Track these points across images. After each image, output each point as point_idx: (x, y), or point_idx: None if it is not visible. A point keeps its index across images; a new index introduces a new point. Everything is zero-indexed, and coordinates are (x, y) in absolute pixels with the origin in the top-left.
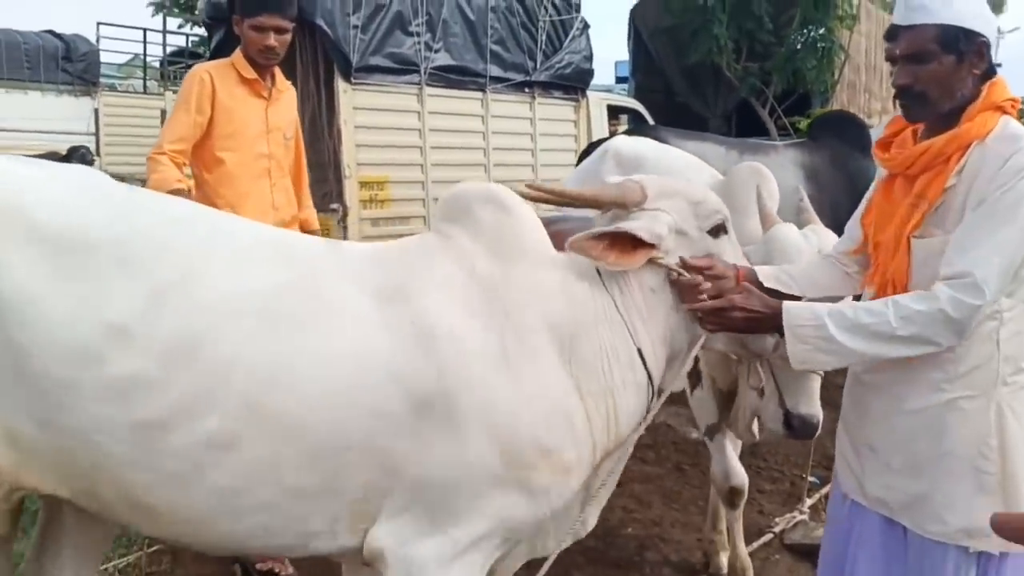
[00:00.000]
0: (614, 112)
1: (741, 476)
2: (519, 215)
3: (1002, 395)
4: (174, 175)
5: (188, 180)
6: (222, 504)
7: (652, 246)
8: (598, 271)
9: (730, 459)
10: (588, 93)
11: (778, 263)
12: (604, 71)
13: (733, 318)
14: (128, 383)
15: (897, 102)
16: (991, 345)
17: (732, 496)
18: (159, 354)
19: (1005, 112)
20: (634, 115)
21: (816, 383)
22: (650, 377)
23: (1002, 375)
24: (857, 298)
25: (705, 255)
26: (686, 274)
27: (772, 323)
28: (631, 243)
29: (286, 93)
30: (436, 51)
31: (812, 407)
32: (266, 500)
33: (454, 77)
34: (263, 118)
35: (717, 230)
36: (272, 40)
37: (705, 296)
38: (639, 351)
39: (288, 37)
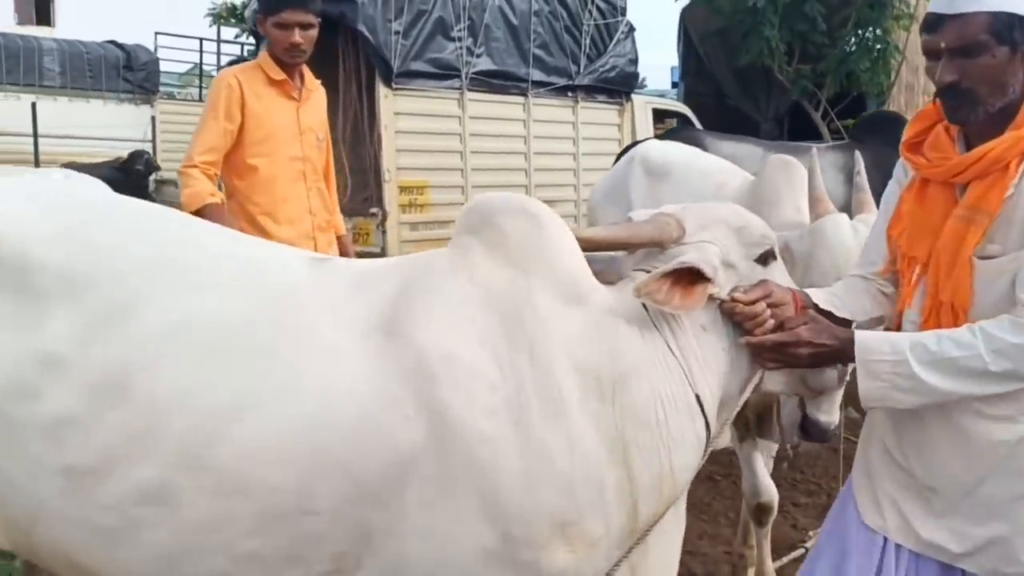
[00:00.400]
0: (660, 116)
1: (770, 493)
2: (553, 232)
3: None
4: (207, 189)
5: (221, 193)
6: (163, 571)
7: (709, 280)
8: (645, 307)
9: (760, 475)
10: (633, 97)
11: (822, 258)
12: (661, 76)
13: (798, 354)
14: (58, 421)
15: (939, 101)
16: None
17: (760, 513)
18: (88, 389)
19: None
20: (682, 119)
21: (840, 390)
22: (708, 427)
23: None
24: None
25: (760, 282)
26: (745, 304)
27: (842, 356)
28: (687, 280)
29: (316, 92)
30: (478, 56)
31: (832, 415)
32: (215, 569)
33: (496, 82)
34: (295, 120)
35: (766, 257)
36: (297, 37)
37: (767, 328)
38: (697, 398)
39: (314, 33)
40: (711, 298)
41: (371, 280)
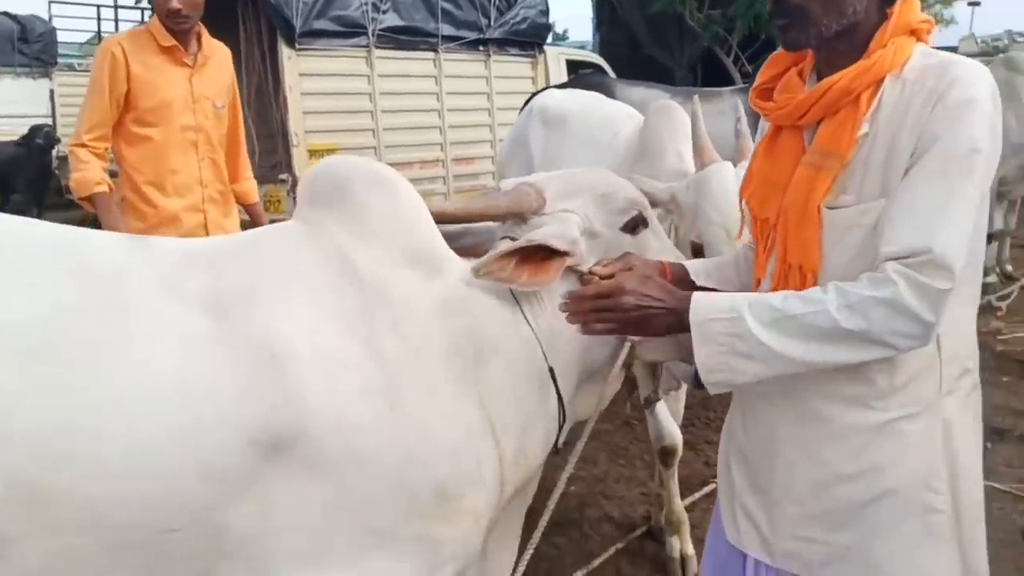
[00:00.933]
0: (575, 67)
1: (673, 437)
2: (407, 200)
3: (948, 408)
4: (95, 176)
5: (109, 180)
6: None
7: (566, 254)
8: None
9: (662, 420)
10: (546, 48)
11: (707, 209)
12: (584, 27)
13: (623, 304)
14: None
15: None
16: (931, 345)
17: (664, 456)
18: None
19: (920, 38)
20: (597, 70)
21: None
22: (561, 402)
23: (946, 382)
24: None
25: (623, 255)
26: (601, 278)
27: (676, 318)
28: (541, 255)
29: (215, 57)
30: (384, 12)
31: None
32: None
33: (404, 38)
34: (187, 88)
35: (635, 224)
36: (175, 3)
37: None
38: (551, 371)
39: None
40: (572, 270)
41: (209, 259)
